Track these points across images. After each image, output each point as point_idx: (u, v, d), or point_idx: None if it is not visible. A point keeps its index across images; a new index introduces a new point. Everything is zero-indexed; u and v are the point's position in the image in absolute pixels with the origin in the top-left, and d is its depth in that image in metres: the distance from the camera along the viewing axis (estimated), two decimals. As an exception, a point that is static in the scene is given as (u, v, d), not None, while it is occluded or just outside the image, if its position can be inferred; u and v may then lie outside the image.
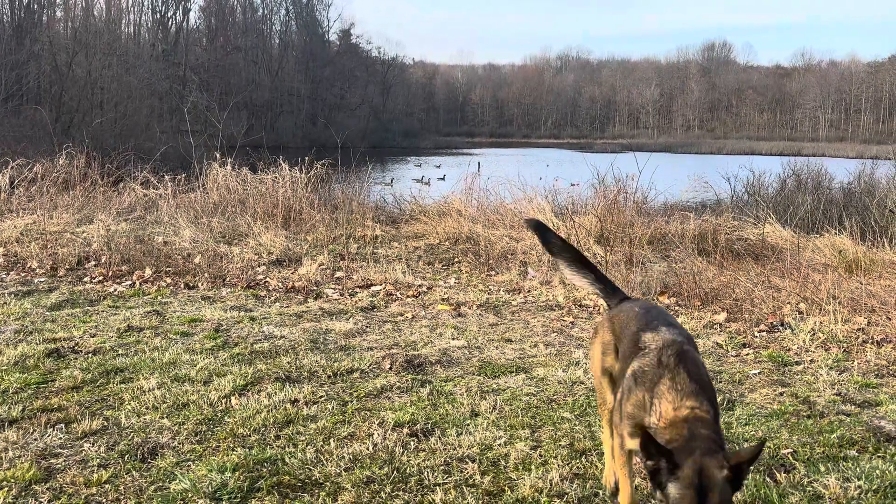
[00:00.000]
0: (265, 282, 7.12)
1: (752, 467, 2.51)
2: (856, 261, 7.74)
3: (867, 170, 14.37)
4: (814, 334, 5.33)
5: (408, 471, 3.27)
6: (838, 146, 68.26)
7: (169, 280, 7.09)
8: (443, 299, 6.61)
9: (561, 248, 3.39)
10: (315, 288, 6.94)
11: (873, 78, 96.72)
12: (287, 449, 3.46)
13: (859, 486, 3.14)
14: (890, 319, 5.62)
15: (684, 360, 2.56)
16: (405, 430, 3.66)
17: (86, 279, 7.08)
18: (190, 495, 3.00)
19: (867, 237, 9.08)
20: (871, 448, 3.56)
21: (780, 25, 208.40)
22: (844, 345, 5.19)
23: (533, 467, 3.32)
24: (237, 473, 3.18)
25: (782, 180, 14.73)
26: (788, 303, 6.14)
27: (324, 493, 3.06)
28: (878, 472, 3.27)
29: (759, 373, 4.69)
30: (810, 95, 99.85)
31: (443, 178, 24.04)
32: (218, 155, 12.30)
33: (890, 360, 4.89)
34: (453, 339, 5.35)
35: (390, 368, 4.61)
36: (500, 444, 3.55)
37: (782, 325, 5.65)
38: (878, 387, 4.44)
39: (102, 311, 5.94)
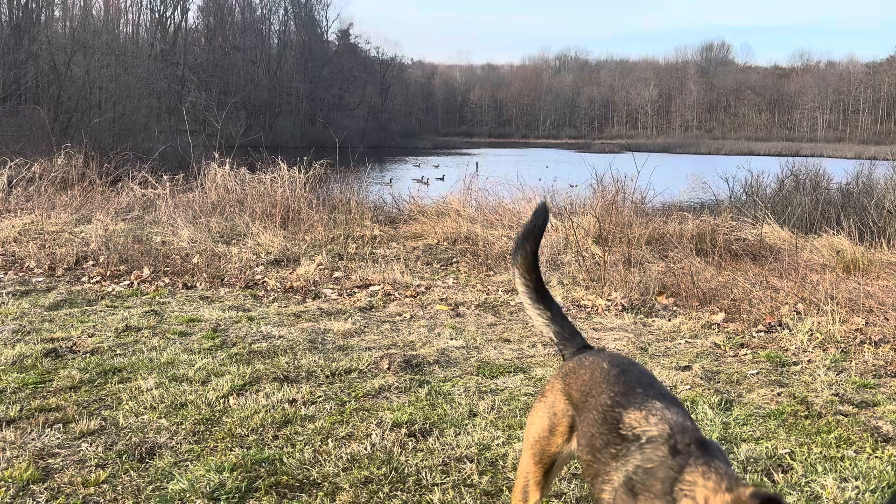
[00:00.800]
0: (263, 282, 7.11)
1: None
2: (854, 261, 7.76)
3: (865, 170, 14.38)
4: (812, 334, 5.34)
5: (406, 471, 3.27)
6: (836, 147, 68.37)
7: (167, 280, 7.08)
8: (441, 299, 6.61)
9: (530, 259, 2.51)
10: (313, 288, 6.93)
11: (871, 78, 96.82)
12: (285, 449, 3.46)
13: (857, 487, 3.15)
14: (888, 320, 5.63)
15: (710, 446, 1.78)
16: (403, 431, 3.66)
17: (84, 279, 7.08)
18: (188, 495, 3.00)
19: (865, 238, 9.10)
20: (868, 448, 3.57)
21: (778, 26, 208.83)
22: (842, 345, 5.20)
23: (531, 467, 3.32)
24: (235, 473, 3.18)
25: (780, 181, 14.74)
26: (786, 303, 6.15)
27: (322, 494, 3.06)
28: (875, 472, 3.28)
29: (757, 373, 4.69)
30: (808, 96, 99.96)
31: (441, 178, 24.01)
32: (216, 155, 12.33)
33: (887, 360, 4.90)
34: (451, 339, 5.36)
35: (388, 368, 4.61)
36: (498, 445, 3.55)
37: (780, 325, 5.66)
38: (876, 387, 4.44)
39: (100, 311, 5.93)
